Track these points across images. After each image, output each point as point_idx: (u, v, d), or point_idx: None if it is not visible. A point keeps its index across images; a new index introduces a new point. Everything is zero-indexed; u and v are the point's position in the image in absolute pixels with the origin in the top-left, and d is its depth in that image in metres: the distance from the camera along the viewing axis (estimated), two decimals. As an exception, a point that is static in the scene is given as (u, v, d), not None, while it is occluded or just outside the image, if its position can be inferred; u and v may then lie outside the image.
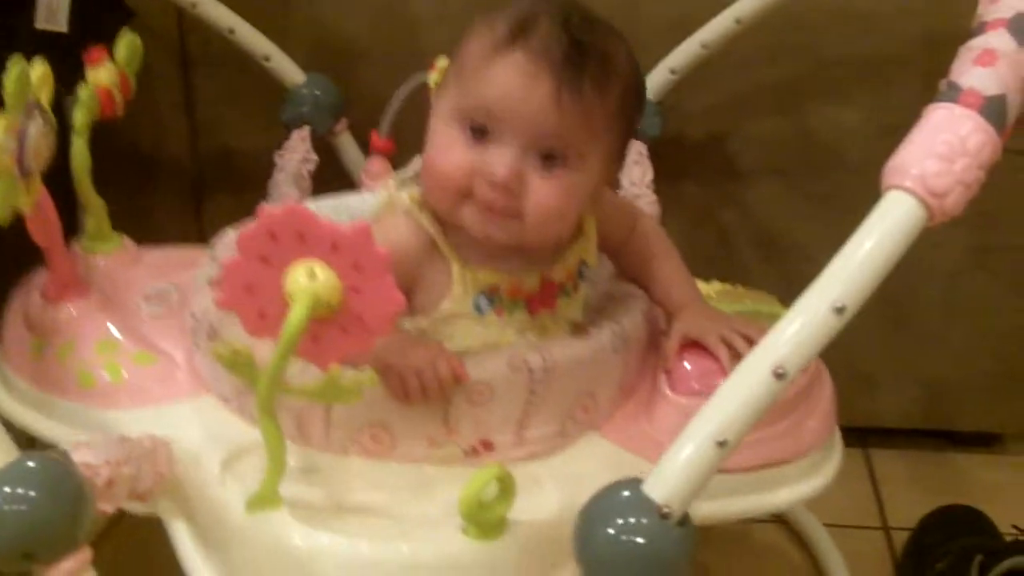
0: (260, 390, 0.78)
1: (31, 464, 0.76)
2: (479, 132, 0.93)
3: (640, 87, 1.01)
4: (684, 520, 0.78)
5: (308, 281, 0.73)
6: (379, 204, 1.03)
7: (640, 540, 0.77)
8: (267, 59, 1.45)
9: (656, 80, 1.43)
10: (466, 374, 0.91)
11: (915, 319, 1.64)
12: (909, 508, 1.58)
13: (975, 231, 1.55)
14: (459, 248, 0.97)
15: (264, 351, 0.77)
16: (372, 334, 0.75)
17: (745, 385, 0.77)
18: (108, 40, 1.38)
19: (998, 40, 0.80)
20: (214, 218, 1.65)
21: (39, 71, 0.94)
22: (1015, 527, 1.44)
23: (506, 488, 0.81)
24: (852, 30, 1.45)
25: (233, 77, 1.54)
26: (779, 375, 0.76)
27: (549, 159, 0.93)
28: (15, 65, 0.89)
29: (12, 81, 0.89)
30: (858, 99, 1.49)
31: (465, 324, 0.98)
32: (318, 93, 1.47)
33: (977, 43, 0.81)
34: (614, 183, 1.06)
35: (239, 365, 0.79)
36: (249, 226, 0.74)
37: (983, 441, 1.75)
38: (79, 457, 0.81)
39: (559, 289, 1.02)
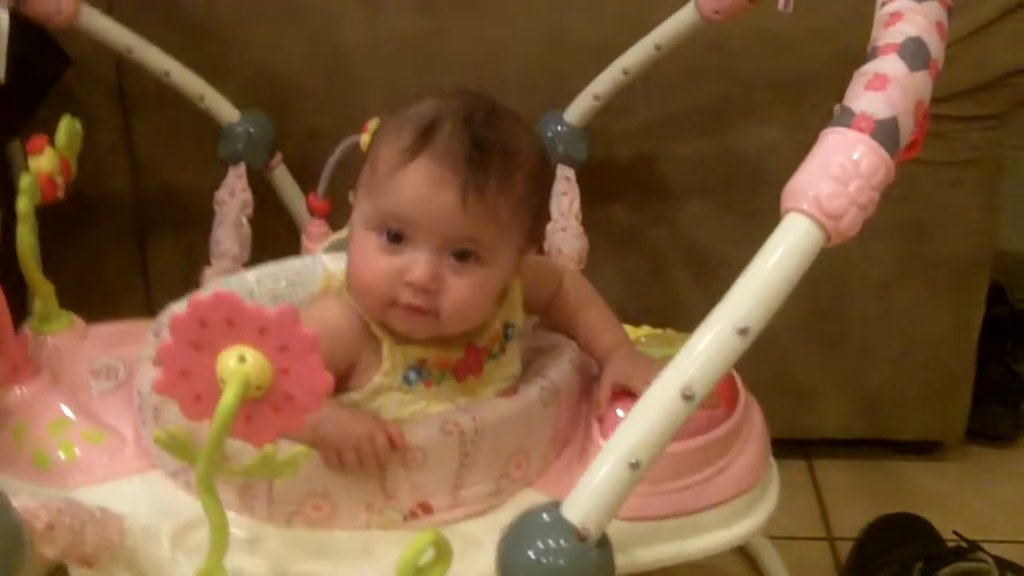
0: (198, 470, 0.80)
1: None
2: (395, 237, 0.97)
3: (546, 170, 1.06)
4: (602, 542, 0.80)
5: (238, 365, 0.75)
6: (319, 285, 1.09)
7: (560, 562, 0.79)
8: (202, 99, 1.47)
9: (580, 106, 1.46)
10: (403, 441, 0.94)
11: (850, 330, 1.67)
12: (853, 518, 1.60)
13: (904, 242, 1.59)
14: (388, 327, 1.01)
15: (206, 429, 0.79)
16: (303, 412, 0.78)
17: (654, 408, 0.79)
18: (47, 87, 1.41)
19: (889, 65, 0.83)
20: (157, 255, 1.68)
21: None
22: (956, 533, 1.46)
23: (442, 552, 0.83)
24: (768, 51, 1.48)
25: (171, 117, 1.55)
26: (687, 397, 0.78)
27: (462, 256, 0.97)
28: None
29: None
30: (777, 117, 1.52)
31: (395, 396, 1.01)
32: (252, 130, 1.49)
33: (869, 68, 0.84)
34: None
35: (177, 447, 0.82)
36: (179, 313, 0.76)
37: (924, 449, 1.78)
38: (18, 502, 0.82)
39: (485, 354, 1.04)
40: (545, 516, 0.81)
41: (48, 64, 1.43)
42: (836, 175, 0.79)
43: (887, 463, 1.77)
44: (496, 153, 0.97)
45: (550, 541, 0.79)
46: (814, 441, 1.76)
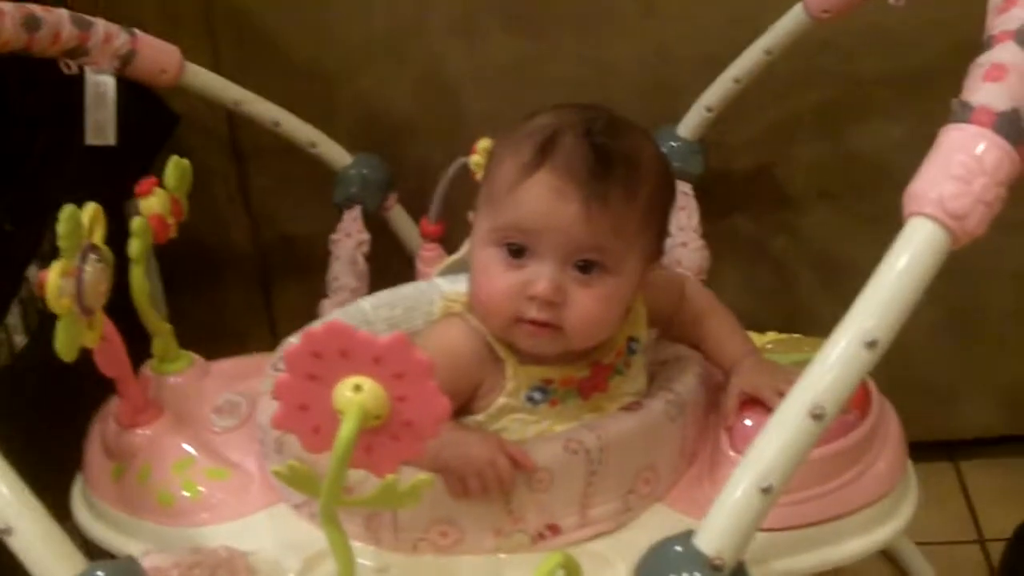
0: (321, 504, 0.80)
1: (100, 574, 0.78)
2: (517, 252, 0.96)
3: (669, 180, 1.04)
4: (738, 570, 0.78)
5: (355, 395, 0.75)
6: (436, 312, 1.08)
7: (696, 594, 0.77)
8: (313, 146, 1.48)
9: (693, 119, 1.44)
10: (530, 462, 0.93)
11: (987, 327, 1.62)
12: (1004, 518, 1.55)
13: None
14: (512, 347, 1.00)
15: (328, 460, 0.79)
16: (422, 439, 0.77)
17: (783, 429, 0.77)
18: (157, 146, 1.44)
19: (1006, 53, 0.80)
20: (283, 304, 1.71)
21: (90, 212, 0.97)
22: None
23: (572, 573, 0.81)
24: (884, 47, 1.45)
25: (285, 165, 1.58)
26: (816, 416, 0.76)
27: (587, 269, 0.96)
28: (65, 211, 0.93)
29: (64, 227, 0.93)
30: (898, 115, 1.48)
31: (519, 416, 1.00)
32: (365, 172, 1.50)
33: (986, 58, 0.81)
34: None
35: (298, 480, 0.81)
36: (294, 346, 0.76)
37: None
38: (148, 562, 0.83)
39: (611, 370, 1.03)
40: (678, 548, 0.79)
41: (157, 124, 1.46)
42: (958, 174, 0.76)
43: (1033, 460, 1.72)
44: (619, 163, 0.96)
45: (684, 574, 0.77)
46: (958, 442, 1.71)
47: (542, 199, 0.95)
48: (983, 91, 0.78)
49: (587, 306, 0.96)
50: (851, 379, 0.76)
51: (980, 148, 0.76)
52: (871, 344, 0.76)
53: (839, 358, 0.76)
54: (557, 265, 0.95)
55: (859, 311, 0.77)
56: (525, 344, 0.98)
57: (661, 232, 1.03)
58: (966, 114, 0.78)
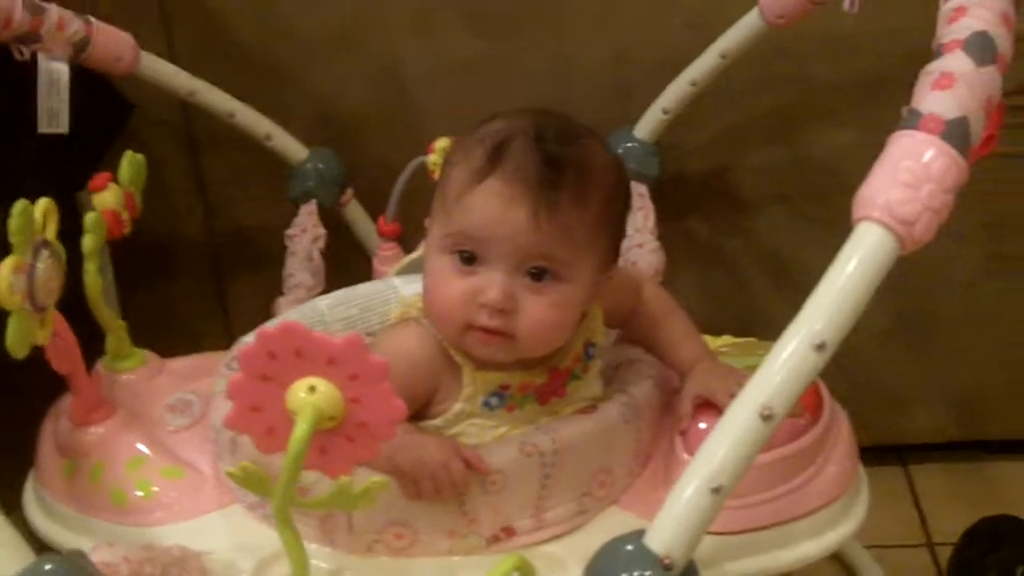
0: (274, 505, 0.80)
1: (48, 567, 0.77)
2: (468, 259, 0.96)
3: (623, 187, 1.04)
4: (688, 570, 0.79)
5: (309, 396, 0.75)
6: (393, 316, 1.08)
7: (646, 593, 0.77)
8: (269, 138, 1.47)
9: (650, 121, 1.45)
10: (484, 465, 0.93)
11: (938, 333, 1.63)
12: (952, 522, 1.56)
13: (988, 241, 1.55)
14: (468, 353, 1.00)
15: (282, 460, 0.79)
16: (377, 440, 0.77)
17: (733, 430, 0.78)
18: (112, 136, 1.42)
19: (955, 62, 0.81)
20: (237, 299, 1.70)
21: (43, 207, 0.96)
22: (1057, 533, 1.42)
23: (526, 575, 0.82)
24: (837, 54, 1.46)
25: (240, 157, 1.57)
26: (766, 417, 0.77)
27: (538, 276, 0.96)
28: (18, 206, 0.92)
29: (16, 222, 0.92)
30: (849, 121, 1.49)
31: (477, 422, 1.00)
32: (321, 167, 1.49)
33: (935, 67, 0.82)
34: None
35: (251, 481, 0.82)
36: (248, 346, 0.76)
37: (1019, 448, 1.72)
38: (97, 557, 0.83)
39: (568, 375, 1.03)
40: (629, 547, 0.79)
41: (111, 113, 1.44)
42: (906, 180, 0.77)
43: (983, 464, 1.73)
44: (570, 170, 0.96)
45: (635, 573, 0.77)
46: (908, 446, 1.72)
47: (491, 206, 0.95)
48: (932, 99, 0.79)
49: (539, 313, 0.96)
50: (800, 381, 0.77)
51: (928, 155, 0.77)
52: (820, 347, 0.76)
53: (788, 360, 0.77)
54: (508, 273, 0.95)
55: (808, 314, 0.77)
56: (477, 352, 0.98)
57: (615, 238, 1.03)
58: (915, 121, 0.79)
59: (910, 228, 0.76)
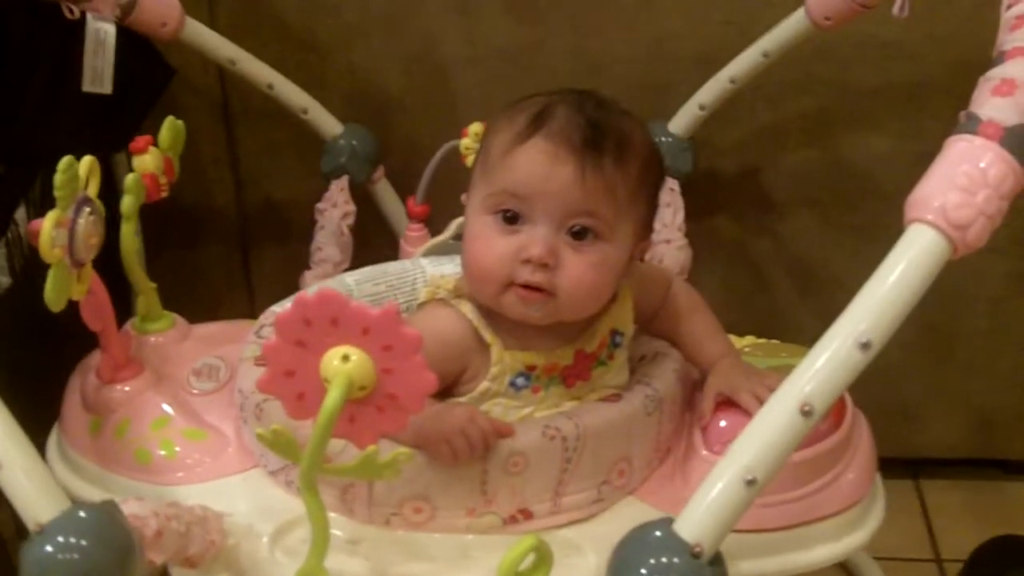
0: (301, 470, 0.80)
1: (82, 514, 0.78)
2: (511, 218, 0.97)
3: (659, 163, 1.04)
4: (716, 560, 0.79)
5: (342, 364, 0.75)
6: (421, 295, 1.08)
7: (673, 579, 0.77)
8: (305, 112, 1.48)
9: (685, 116, 1.45)
10: (510, 428, 0.93)
11: (960, 348, 1.63)
12: (961, 539, 1.55)
13: (1019, 257, 1.54)
14: (498, 332, 1.00)
15: (309, 428, 0.79)
16: (406, 412, 0.77)
17: (772, 423, 0.78)
18: (152, 99, 1.43)
19: (1017, 69, 0.81)
20: (261, 270, 1.70)
21: (87, 164, 0.97)
22: (1067, 556, 1.42)
23: (543, 558, 0.82)
24: (881, 59, 1.46)
25: (274, 130, 1.58)
26: (806, 413, 0.77)
27: (580, 235, 0.97)
28: (63, 161, 0.93)
29: (60, 178, 0.92)
30: (889, 127, 1.49)
31: (502, 401, 1.01)
32: (355, 143, 1.50)
33: (996, 73, 0.81)
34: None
35: (281, 445, 0.82)
36: (286, 311, 0.76)
37: (1034, 469, 1.73)
38: (128, 509, 0.83)
39: (593, 359, 1.03)
40: (658, 532, 0.79)
41: (153, 77, 1.45)
42: (963, 184, 0.77)
43: (997, 483, 1.72)
44: (611, 135, 0.97)
45: (663, 559, 0.78)
46: (922, 460, 1.72)
47: (536, 163, 0.96)
48: (992, 105, 0.79)
49: (580, 271, 0.97)
50: (842, 379, 0.77)
51: (985, 161, 0.77)
52: (865, 345, 0.76)
53: (832, 357, 0.77)
54: (551, 230, 0.96)
55: (855, 311, 0.77)
56: (515, 312, 0.98)
57: (651, 208, 1.04)
58: (973, 126, 0.79)
59: (963, 232, 0.76)
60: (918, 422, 1.67)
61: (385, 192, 1.55)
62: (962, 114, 0.80)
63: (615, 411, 0.99)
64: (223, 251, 1.70)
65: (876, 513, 1.03)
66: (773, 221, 1.58)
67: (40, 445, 1.08)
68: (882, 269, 0.78)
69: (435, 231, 1.37)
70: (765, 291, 1.62)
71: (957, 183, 0.77)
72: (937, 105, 1.41)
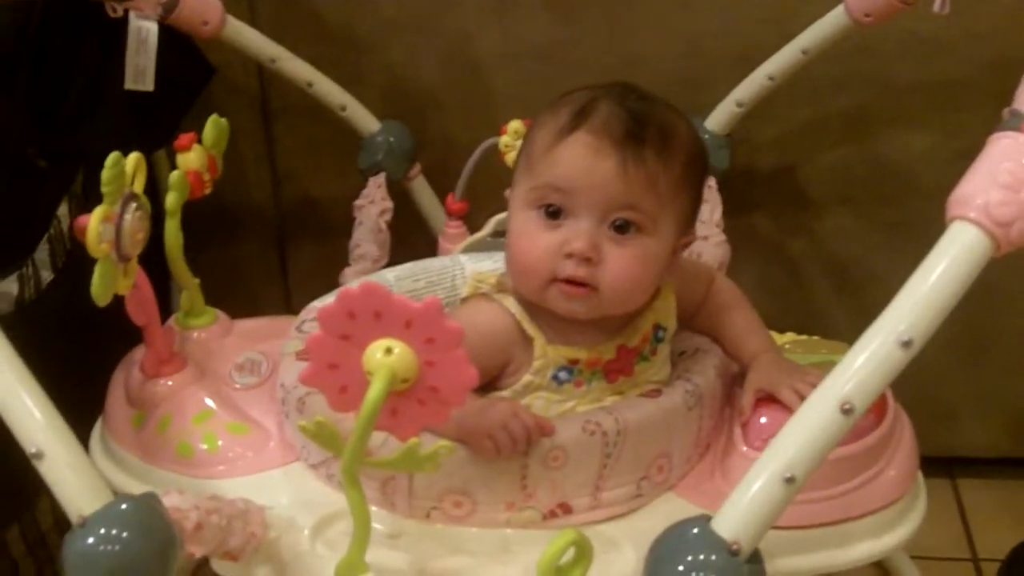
0: (344, 462, 0.81)
1: (124, 507, 0.79)
2: (553, 213, 0.98)
3: (703, 156, 1.05)
4: (754, 557, 0.79)
5: (385, 357, 0.76)
6: (465, 290, 1.08)
7: (710, 577, 0.77)
8: (343, 109, 1.49)
9: (723, 113, 1.45)
10: (551, 425, 0.94)
11: (997, 347, 1.62)
12: (999, 539, 1.55)
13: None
14: (540, 326, 1.01)
15: (350, 421, 0.79)
16: (448, 405, 0.78)
17: (812, 421, 0.78)
18: (192, 97, 1.44)
19: (1060, 66, 0.80)
20: (298, 267, 1.71)
21: (133, 161, 0.98)
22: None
23: (583, 552, 0.82)
24: (921, 56, 1.45)
25: (312, 127, 1.59)
26: (846, 411, 0.77)
27: (623, 229, 0.97)
28: (111, 158, 0.94)
29: (108, 173, 0.94)
30: (928, 124, 1.48)
31: (544, 395, 1.01)
32: (392, 140, 1.50)
33: (1039, 69, 0.81)
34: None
35: (324, 437, 0.82)
36: (330, 305, 0.77)
37: (1073, 469, 1.71)
38: (169, 502, 0.83)
39: (636, 355, 1.04)
40: (695, 529, 0.79)
41: (194, 75, 1.47)
42: (1006, 182, 0.77)
43: (1036, 484, 1.71)
44: (653, 127, 0.98)
45: (700, 556, 0.78)
46: (958, 459, 1.71)
47: (579, 156, 0.97)
48: (1034, 102, 0.79)
49: (623, 265, 0.97)
50: (883, 377, 0.77)
51: (1029, 158, 0.77)
52: (906, 344, 0.76)
53: (873, 355, 0.77)
54: (594, 224, 0.97)
55: (896, 310, 0.77)
56: (559, 306, 0.99)
57: (694, 201, 1.04)
58: (1016, 123, 0.78)
59: (1007, 230, 0.76)
60: (955, 421, 1.66)
61: (422, 189, 1.55)
62: (1005, 111, 0.80)
63: (655, 406, 0.99)
64: (261, 248, 1.71)
65: (917, 510, 1.03)
66: (810, 218, 1.58)
67: (84, 439, 1.11)
68: (924, 267, 0.77)
69: (473, 228, 1.38)
70: (802, 288, 1.61)
71: (1000, 180, 0.76)
72: (977, 102, 1.39)
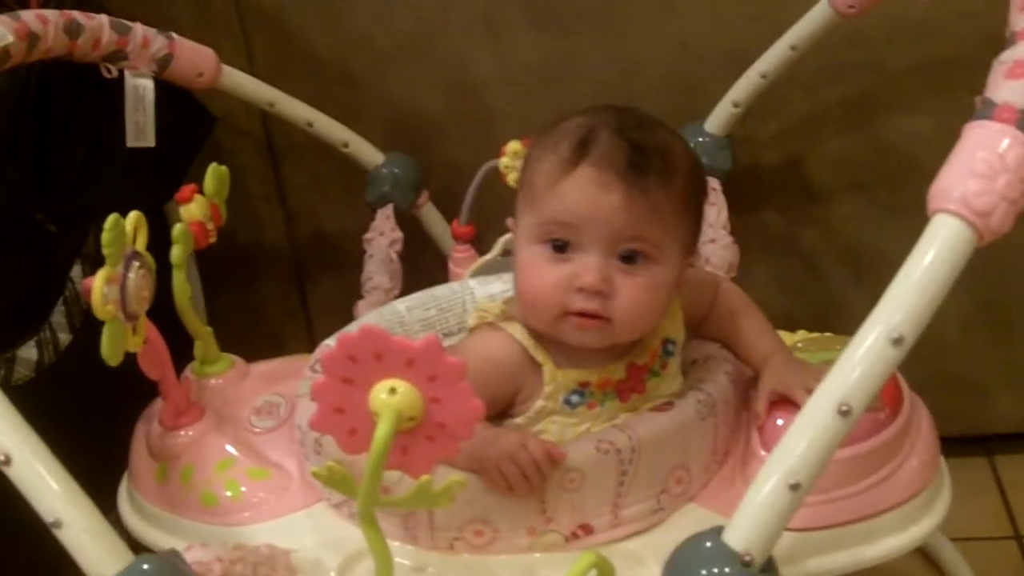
0: (359, 504, 0.81)
1: (145, 567, 0.80)
2: (560, 247, 0.98)
3: (701, 173, 1.05)
4: (767, 566, 0.79)
5: (389, 397, 0.76)
6: (471, 320, 1.09)
7: (726, 590, 0.78)
8: (346, 145, 1.50)
9: (720, 115, 1.45)
10: (561, 452, 0.94)
11: (1020, 320, 1.60)
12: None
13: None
14: (548, 352, 1.02)
15: (365, 460, 0.80)
16: (456, 439, 0.79)
17: (812, 426, 0.78)
18: (196, 147, 1.46)
19: (1029, 50, 0.80)
20: (319, 302, 1.73)
21: (133, 220, 1.00)
22: None
23: (604, 573, 0.82)
24: (913, 39, 1.44)
25: (319, 164, 1.61)
26: (844, 412, 0.77)
27: (630, 259, 0.98)
28: (109, 220, 0.95)
29: (108, 235, 0.95)
30: (927, 106, 1.47)
31: (558, 419, 1.02)
32: (397, 171, 1.52)
33: (1008, 55, 0.81)
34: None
35: (336, 481, 0.83)
36: (331, 350, 0.78)
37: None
38: (191, 556, 0.85)
39: (646, 371, 1.04)
40: (707, 543, 0.79)
41: (195, 126, 1.48)
42: (982, 171, 0.77)
43: (1072, 454, 1.69)
44: (654, 155, 0.98)
45: (714, 569, 0.78)
46: (994, 436, 1.69)
47: (584, 191, 0.97)
48: (1006, 88, 0.79)
49: (634, 295, 0.98)
50: (878, 376, 0.77)
51: (1003, 145, 0.77)
52: (897, 341, 0.76)
53: (865, 355, 0.77)
54: (602, 256, 0.97)
55: (885, 308, 0.77)
56: (573, 338, 0.99)
57: (696, 222, 1.04)
58: (989, 111, 0.78)
59: (987, 219, 0.76)
60: (986, 398, 1.64)
61: (431, 215, 1.56)
62: (977, 99, 0.80)
63: (667, 420, 0.99)
64: (280, 286, 1.73)
65: (943, 498, 1.02)
66: (820, 209, 1.57)
67: (112, 494, 1.12)
68: (909, 262, 0.78)
69: (481, 249, 1.39)
70: (819, 280, 1.61)
71: (976, 170, 0.76)
72: (973, 81, 1.37)
